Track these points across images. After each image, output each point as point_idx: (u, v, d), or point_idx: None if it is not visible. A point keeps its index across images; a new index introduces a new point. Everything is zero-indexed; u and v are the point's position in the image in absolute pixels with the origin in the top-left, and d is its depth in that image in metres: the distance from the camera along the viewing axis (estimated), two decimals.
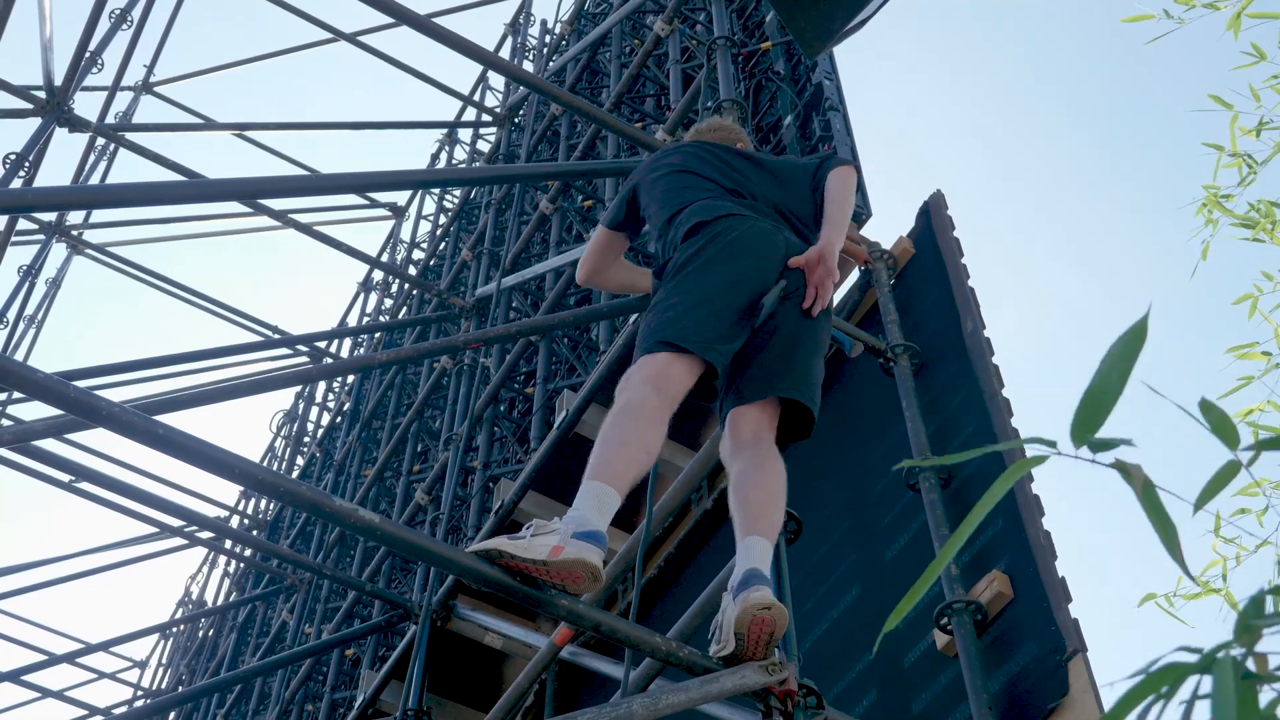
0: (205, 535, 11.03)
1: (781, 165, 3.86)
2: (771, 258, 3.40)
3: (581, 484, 2.86)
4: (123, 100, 10.98)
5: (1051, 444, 1.01)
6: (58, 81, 7.55)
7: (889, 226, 25.64)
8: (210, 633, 13.08)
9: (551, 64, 10.19)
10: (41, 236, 9.91)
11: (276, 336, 11.21)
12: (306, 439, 13.59)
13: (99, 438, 10.79)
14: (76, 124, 7.77)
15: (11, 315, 9.61)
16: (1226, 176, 5.83)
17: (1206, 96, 5.78)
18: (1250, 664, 0.95)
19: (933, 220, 5.19)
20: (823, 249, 3.38)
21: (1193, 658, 0.95)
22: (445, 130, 12.39)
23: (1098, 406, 1.00)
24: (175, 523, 9.79)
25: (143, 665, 15.36)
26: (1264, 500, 5.32)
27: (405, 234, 12.89)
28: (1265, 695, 0.94)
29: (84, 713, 12.71)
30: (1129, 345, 1.02)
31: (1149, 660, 0.96)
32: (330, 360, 11.52)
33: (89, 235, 10.85)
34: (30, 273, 9.55)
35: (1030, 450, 1.04)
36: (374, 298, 12.87)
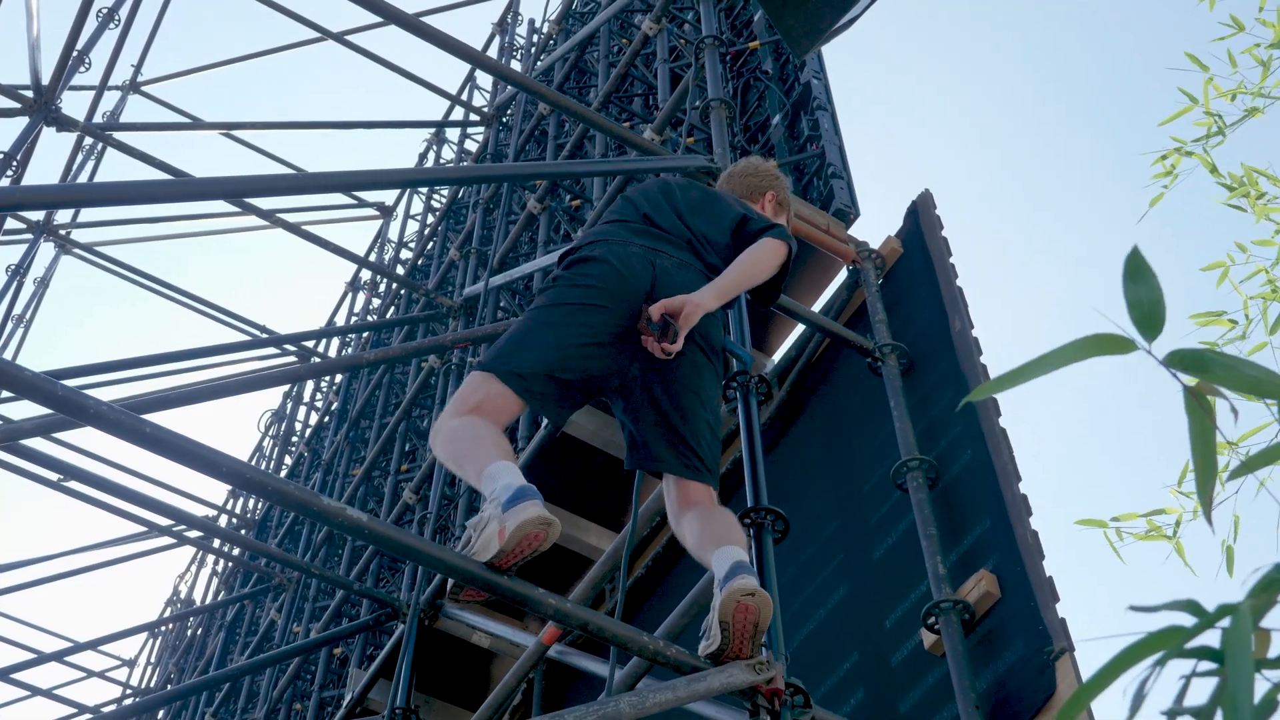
0: (194, 534, 11.01)
1: (721, 207, 3.63)
2: (635, 282, 3.26)
3: (480, 481, 2.87)
4: (110, 99, 10.95)
5: (1129, 344, 0.99)
6: (45, 81, 7.53)
7: (877, 226, 25.66)
8: (199, 631, 13.06)
9: (539, 63, 10.18)
10: (29, 236, 9.90)
11: (264, 336, 11.19)
12: (294, 438, 13.56)
13: (87, 437, 10.78)
14: (64, 123, 7.75)
15: None
16: (1184, 128, 5.78)
17: (1183, 55, 5.73)
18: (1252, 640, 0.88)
19: (921, 220, 5.20)
20: (688, 301, 3.16)
21: (1186, 621, 0.88)
22: (433, 129, 12.37)
23: (1152, 308, 0.99)
24: (164, 522, 9.75)
25: (131, 664, 15.34)
26: (1225, 458, 5.15)
27: (393, 233, 12.86)
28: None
29: (73, 711, 12.70)
30: (1138, 267, 1.03)
31: (1130, 607, 0.90)
32: (318, 360, 11.49)
33: (77, 234, 10.84)
34: (18, 272, 9.52)
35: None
36: (362, 297, 12.84)
